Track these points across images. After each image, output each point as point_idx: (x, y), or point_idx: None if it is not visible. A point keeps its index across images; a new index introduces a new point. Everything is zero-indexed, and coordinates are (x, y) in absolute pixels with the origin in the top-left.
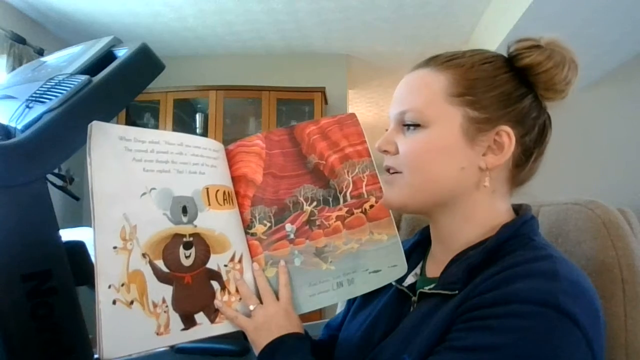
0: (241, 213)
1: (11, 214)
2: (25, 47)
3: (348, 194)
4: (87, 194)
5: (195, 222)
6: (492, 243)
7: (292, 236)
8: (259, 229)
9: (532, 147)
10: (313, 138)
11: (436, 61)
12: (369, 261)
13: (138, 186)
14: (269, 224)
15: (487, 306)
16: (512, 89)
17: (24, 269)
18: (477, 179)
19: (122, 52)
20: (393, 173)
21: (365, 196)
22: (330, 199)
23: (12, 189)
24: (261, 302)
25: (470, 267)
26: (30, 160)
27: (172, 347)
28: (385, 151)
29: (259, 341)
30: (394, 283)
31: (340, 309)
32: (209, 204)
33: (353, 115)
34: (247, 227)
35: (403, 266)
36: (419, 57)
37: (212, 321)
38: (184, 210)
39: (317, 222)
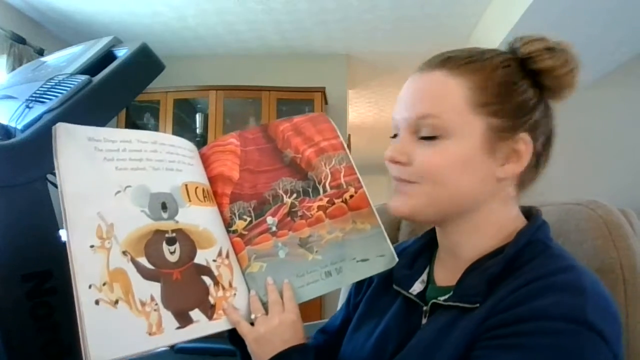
0: (221, 212)
1: (11, 214)
2: (25, 47)
3: (327, 184)
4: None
5: (176, 218)
6: (511, 251)
7: (274, 229)
8: (239, 224)
9: (541, 152)
10: (287, 134)
11: (453, 63)
12: (356, 250)
13: (111, 185)
14: (249, 219)
15: (514, 323)
16: (531, 96)
17: (24, 269)
18: (494, 189)
19: (122, 52)
20: (403, 181)
21: (345, 187)
22: (310, 190)
23: (12, 189)
24: (266, 313)
25: (490, 278)
26: (30, 160)
27: (171, 347)
28: (397, 162)
29: (259, 353)
30: (402, 291)
31: (338, 307)
32: (190, 200)
33: (324, 114)
34: (228, 225)
35: (390, 256)
36: (418, 57)
37: (210, 318)
38: (164, 207)
39: (299, 213)
